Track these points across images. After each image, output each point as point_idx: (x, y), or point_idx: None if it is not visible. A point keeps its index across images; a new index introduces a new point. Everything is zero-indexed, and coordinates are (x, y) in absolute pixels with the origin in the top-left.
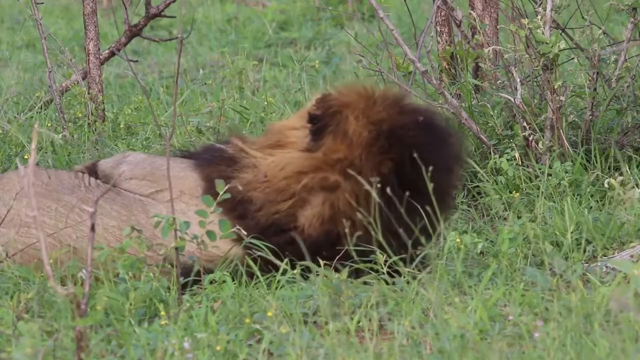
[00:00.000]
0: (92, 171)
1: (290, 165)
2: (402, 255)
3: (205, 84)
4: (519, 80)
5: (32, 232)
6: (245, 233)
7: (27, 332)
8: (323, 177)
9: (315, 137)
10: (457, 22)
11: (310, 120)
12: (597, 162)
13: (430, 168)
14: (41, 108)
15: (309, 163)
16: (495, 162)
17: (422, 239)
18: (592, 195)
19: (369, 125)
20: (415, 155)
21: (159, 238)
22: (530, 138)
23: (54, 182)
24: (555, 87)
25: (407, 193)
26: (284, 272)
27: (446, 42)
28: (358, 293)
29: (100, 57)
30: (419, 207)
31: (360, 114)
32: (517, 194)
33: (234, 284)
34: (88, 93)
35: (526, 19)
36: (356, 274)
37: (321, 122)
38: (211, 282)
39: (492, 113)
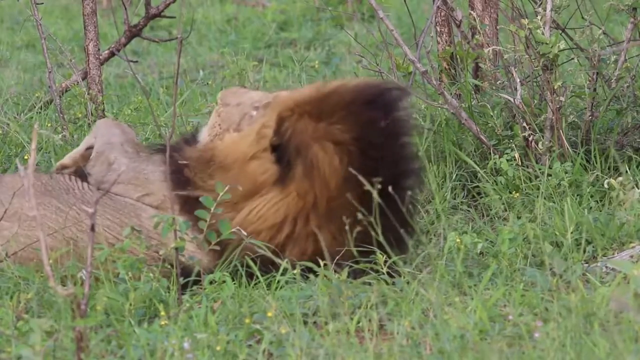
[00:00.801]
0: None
1: (270, 217)
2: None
3: (207, 84)
4: (518, 80)
5: (34, 224)
6: (245, 234)
7: (37, 329)
8: (304, 224)
9: (283, 169)
10: (457, 22)
11: (272, 149)
12: (597, 163)
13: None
14: (41, 108)
15: (286, 207)
16: (495, 163)
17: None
18: (592, 196)
19: (337, 151)
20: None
21: (154, 240)
22: (530, 138)
23: (52, 183)
24: (555, 88)
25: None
26: (284, 272)
27: (446, 42)
28: (358, 293)
29: (100, 57)
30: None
31: (323, 138)
32: (517, 194)
33: (234, 284)
34: (88, 93)
35: (526, 19)
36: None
37: (285, 154)
38: (211, 283)
39: (492, 113)
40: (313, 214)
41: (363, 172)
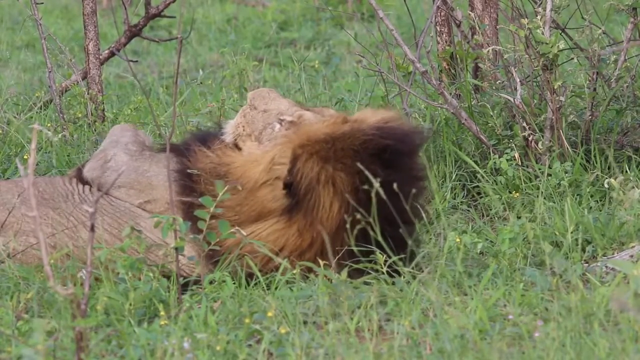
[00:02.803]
0: (79, 177)
1: (269, 243)
2: None
3: (201, 83)
4: (518, 80)
5: (30, 240)
6: (245, 234)
7: (38, 329)
8: (297, 259)
9: (291, 202)
10: (457, 22)
11: (284, 186)
12: (596, 162)
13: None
14: (41, 108)
15: (285, 239)
16: (495, 162)
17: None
18: (592, 196)
19: (337, 198)
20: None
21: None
22: (530, 138)
23: (49, 190)
24: (555, 87)
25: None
26: (284, 272)
27: (446, 42)
28: (358, 293)
29: (100, 57)
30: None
31: (326, 183)
32: (517, 194)
33: (234, 284)
34: (88, 93)
35: (526, 19)
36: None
37: (294, 191)
38: (211, 282)
39: (491, 113)
40: (308, 252)
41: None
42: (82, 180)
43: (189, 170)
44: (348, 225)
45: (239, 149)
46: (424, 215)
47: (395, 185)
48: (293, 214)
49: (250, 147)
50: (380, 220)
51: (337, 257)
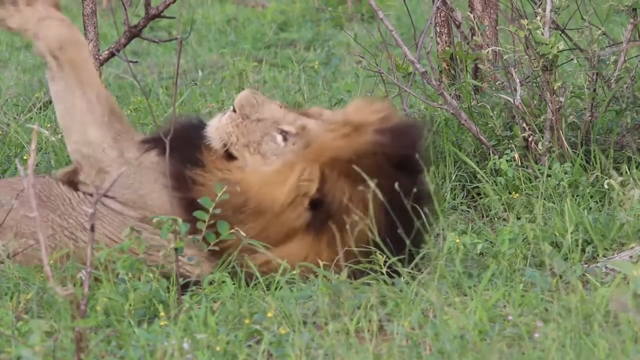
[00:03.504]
0: (69, 182)
1: (300, 259)
2: None
3: (196, 84)
4: (518, 81)
5: (30, 242)
6: (245, 234)
7: (36, 329)
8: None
9: (317, 217)
10: (457, 23)
11: (310, 204)
12: (596, 163)
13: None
14: (40, 109)
15: (316, 253)
16: (494, 163)
17: None
18: (591, 196)
19: (366, 216)
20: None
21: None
22: (530, 139)
23: (46, 191)
24: (555, 88)
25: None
26: (284, 273)
27: (446, 43)
28: (357, 294)
29: (100, 57)
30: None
31: (357, 204)
32: (517, 194)
33: (234, 284)
34: None
35: (525, 20)
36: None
37: (323, 208)
38: (210, 283)
39: (491, 114)
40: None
41: (388, 235)
42: (74, 186)
43: (198, 202)
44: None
45: (233, 157)
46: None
47: (414, 191)
48: (321, 229)
49: (255, 162)
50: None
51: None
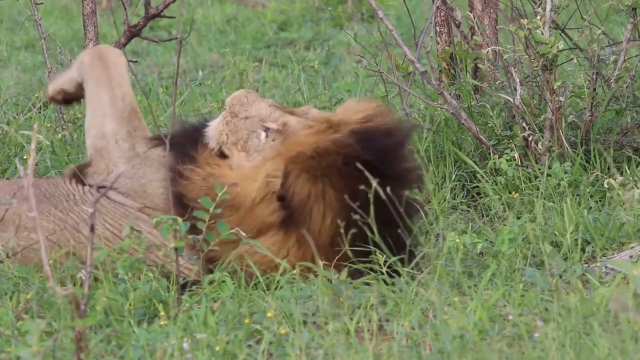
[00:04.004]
0: (76, 177)
1: (277, 253)
2: None
3: (200, 83)
4: (518, 80)
5: (32, 236)
6: (245, 235)
7: (34, 330)
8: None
9: (287, 215)
10: (457, 22)
11: (278, 199)
12: (596, 163)
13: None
14: (40, 109)
15: (287, 251)
16: (494, 163)
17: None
18: (591, 196)
19: (329, 213)
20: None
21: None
22: (530, 138)
23: (51, 189)
24: (555, 88)
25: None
26: (284, 273)
27: (445, 42)
28: (357, 294)
29: None
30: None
31: (316, 200)
32: (517, 194)
33: (233, 284)
34: None
35: (525, 20)
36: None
37: (288, 205)
38: (210, 283)
39: (491, 113)
40: (310, 262)
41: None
42: (80, 180)
43: (184, 200)
44: (343, 232)
45: (226, 156)
46: (422, 213)
47: (387, 189)
48: (289, 226)
49: (240, 159)
50: (376, 225)
51: (334, 265)
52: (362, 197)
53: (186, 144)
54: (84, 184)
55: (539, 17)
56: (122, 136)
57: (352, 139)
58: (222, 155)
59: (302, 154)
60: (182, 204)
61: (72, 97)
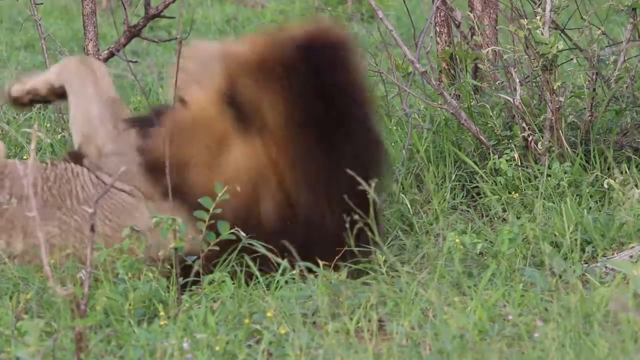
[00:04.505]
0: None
1: (245, 164)
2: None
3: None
4: (518, 80)
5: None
6: (245, 235)
7: (31, 330)
8: (274, 171)
9: (243, 122)
10: (457, 22)
11: (227, 101)
12: (596, 163)
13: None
14: (40, 109)
15: (257, 155)
16: (494, 163)
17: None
18: (591, 196)
19: (279, 111)
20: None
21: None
22: (530, 139)
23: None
24: (555, 88)
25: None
26: (283, 272)
27: (445, 42)
28: (357, 293)
29: (100, 57)
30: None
31: (264, 99)
32: (517, 194)
33: (233, 284)
34: None
35: (525, 20)
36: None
37: (240, 111)
38: (210, 283)
39: (491, 114)
40: (282, 161)
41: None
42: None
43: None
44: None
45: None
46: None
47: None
48: (248, 131)
49: (194, 94)
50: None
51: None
52: (308, 109)
53: (154, 119)
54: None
55: (538, 17)
56: (107, 118)
57: (296, 51)
58: (184, 103)
59: (248, 64)
60: (155, 169)
61: (39, 101)
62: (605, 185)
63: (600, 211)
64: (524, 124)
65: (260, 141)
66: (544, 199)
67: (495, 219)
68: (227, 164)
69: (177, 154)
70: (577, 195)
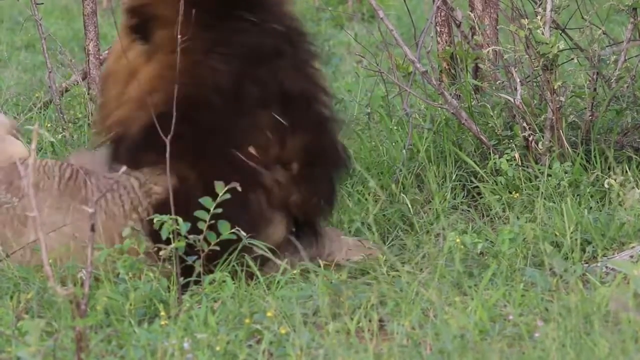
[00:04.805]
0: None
1: (147, 81)
2: None
3: None
4: (518, 80)
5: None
6: (245, 235)
7: (32, 330)
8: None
9: (147, 46)
10: (457, 22)
11: (133, 31)
12: (596, 163)
13: None
14: (41, 109)
15: (158, 68)
16: (495, 163)
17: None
18: (592, 196)
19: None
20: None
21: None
22: (530, 138)
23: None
24: (555, 88)
25: None
26: (284, 272)
27: (446, 42)
28: (358, 293)
29: (100, 57)
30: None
31: (163, 16)
32: (517, 194)
33: (234, 284)
34: (88, 93)
35: (526, 19)
36: None
37: (144, 33)
38: (211, 283)
39: (491, 113)
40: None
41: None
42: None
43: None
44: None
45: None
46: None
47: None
48: (150, 52)
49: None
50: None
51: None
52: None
53: None
54: None
55: (539, 17)
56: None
57: None
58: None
59: None
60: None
61: None
62: (606, 185)
63: (600, 211)
64: (524, 124)
65: (162, 54)
66: (545, 199)
67: (496, 218)
68: (132, 89)
69: (104, 102)
70: (577, 195)
